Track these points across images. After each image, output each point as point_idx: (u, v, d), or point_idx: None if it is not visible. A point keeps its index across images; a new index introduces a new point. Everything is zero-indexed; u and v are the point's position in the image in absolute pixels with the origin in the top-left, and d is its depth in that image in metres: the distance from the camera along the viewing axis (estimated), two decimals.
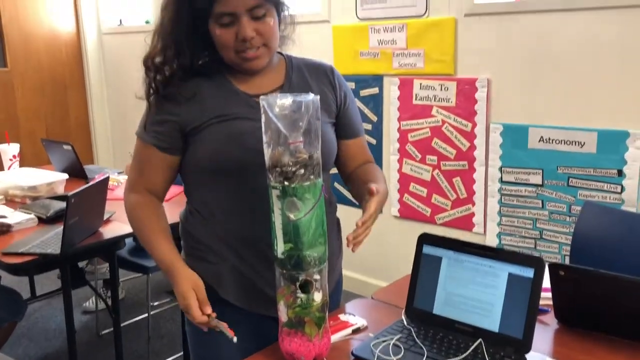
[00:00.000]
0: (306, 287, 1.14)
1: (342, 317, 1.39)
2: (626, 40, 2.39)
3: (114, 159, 5.17)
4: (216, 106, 1.32)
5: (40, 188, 2.64)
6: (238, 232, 1.34)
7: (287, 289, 1.15)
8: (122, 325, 2.59)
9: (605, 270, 1.26)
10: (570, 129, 2.56)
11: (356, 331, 1.34)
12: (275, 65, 1.40)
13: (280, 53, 1.44)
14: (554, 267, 1.30)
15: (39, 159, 3.98)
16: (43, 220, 2.34)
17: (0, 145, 3.10)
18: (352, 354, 1.24)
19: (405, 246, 3.25)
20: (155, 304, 3.33)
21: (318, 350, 1.18)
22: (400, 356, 1.20)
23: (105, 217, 2.33)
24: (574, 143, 2.55)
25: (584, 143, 2.52)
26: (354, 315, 1.39)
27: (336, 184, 2.79)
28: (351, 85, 3.29)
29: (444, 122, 2.97)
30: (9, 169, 3.07)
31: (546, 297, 1.34)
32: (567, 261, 2.57)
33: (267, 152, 1.11)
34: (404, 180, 3.19)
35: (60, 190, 2.73)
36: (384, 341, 1.24)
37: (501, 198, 2.83)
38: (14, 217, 2.32)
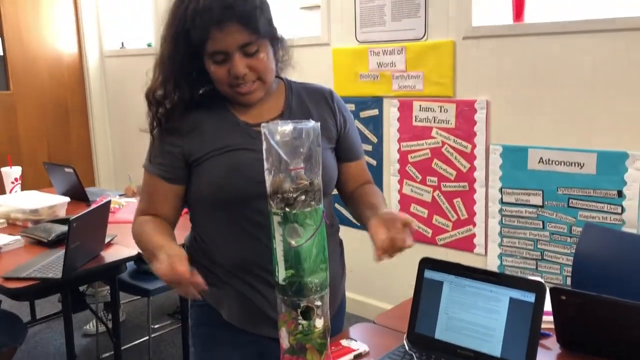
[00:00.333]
0: (307, 313, 1.13)
1: (344, 342, 1.39)
2: (624, 62, 2.41)
3: (115, 181, 5.18)
4: (217, 138, 1.33)
5: (41, 211, 2.65)
6: (239, 259, 1.34)
7: (289, 316, 1.15)
8: (122, 348, 2.58)
9: (607, 292, 1.26)
10: (569, 150, 2.57)
11: (358, 357, 1.33)
12: (275, 92, 1.42)
13: (280, 77, 1.45)
14: (555, 292, 1.29)
15: (41, 182, 3.99)
16: (44, 244, 2.34)
17: (2, 169, 3.11)
18: None
19: (406, 267, 3.23)
20: (156, 326, 3.32)
21: None
22: None
23: (106, 241, 2.33)
24: (573, 164, 2.56)
25: (584, 164, 2.53)
26: (355, 341, 1.39)
27: (337, 206, 2.78)
28: (351, 106, 3.31)
29: (443, 143, 2.98)
30: (10, 192, 3.07)
31: (548, 321, 1.33)
32: (568, 282, 2.56)
33: (269, 179, 1.11)
34: (405, 201, 3.20)
35: (62, 213, 2.74)
36: None
37: (502, 219, 2.83)
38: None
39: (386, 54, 3.13)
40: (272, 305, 1.25)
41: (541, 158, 2.65)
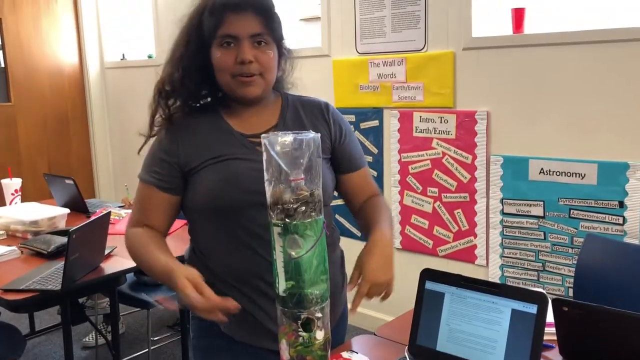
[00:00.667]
0: (308, 325, 1.13)
1: (345, 354, 1.38)
2: (624, 72, 2.41)
3: (115, 193, 5.18)
4: (212, 147, 1.35)
5: (41, 223, 2.64)
6: (236, 270, 1.34)
7: (289, 327, 1.14)
8: None
9: (609, 303, 1.25)
10: (570, 160, 2.57)
11: None
12: (271, 104, 1.43)
13: (278, 91, 1.47)
14: (557, 303, 1.29)
15: (41, 193, 3.99)
16: (44, 256, 2.34)
17: (3, 180, 3.11)
18: None
19: (407, 279, 3.22)
20: (156, 338, 3.30)
21: None
22: None
23: (106, 252, 2.32)
24: (574, 175, 2.56)
25: (585, 175, 2.53)
26: (356, 353, 1.38)
27: (338, 216, 2.78)
28: (351, 117, 3.31)
29: (444, 154, 2.98)
30: (10, 203, 3.07)
31: (550, 333, 1.32)
32: (570, 293, 2.55)
33: (269, 190, 1.11)
34: (405, 212, 3.19)
35: (62, 224, 2.73)
36: None
37: (503, 230, 2.82)
38: None
39: (386, 65, 3.13)
40: (271, 318, 1.24)
41: (542, 169, 2.65)
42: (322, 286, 1.13)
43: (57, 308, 3.09)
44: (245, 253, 1.33)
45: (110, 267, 2.27)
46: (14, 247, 2.37)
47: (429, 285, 1.34)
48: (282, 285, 1.12)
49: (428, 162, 3.05)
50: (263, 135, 1.11)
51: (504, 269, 2.85)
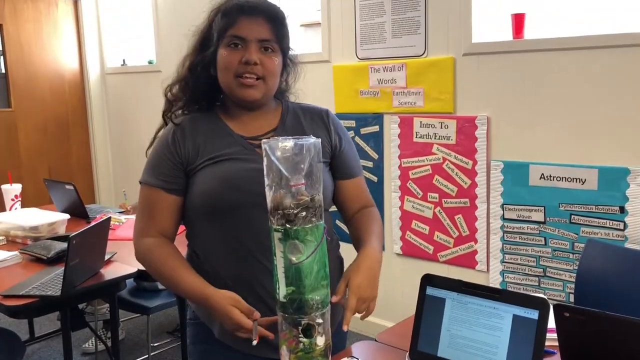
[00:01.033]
0: (309, 331, 1.12)
1: None
2: (624, 77, 2.41)
3: (115, 199, 5.17)
4: (211, 148, 1.36)
5: (41, 228, 2.64)
6: (233, 272, 1.34)
7: (290, 333, 1.14)
8: None
9: (610, 309, 1.24)
10: (570, 166, 2.57)
11: None
12: (272, 109, 1.45)
13: (279, 99, 1.48)
14: (558, 308, 1.28)
15: (41, 199, 3.98)
16: (44, 262, 2.33)
17: (3, 186, 3.11)
18: None
19: (408, 284, 3.23)
20: (156, 344, 3.29)
21: None
22: None
23: (106, 258, 2.32)
24: (575, 180, 2.55)
25: (585, 180, 2.53)
26: (357, 359, 1.37)
27: (338, 222, 2.77)
28: (352, 123, 3.31)
29: (444, 159, 2.98)
30: (10, 209, 3.07)
31: (552, 338, 1.32)
32: (571, 299, 2.54)
33: (269, 195, 1.11)
34: (406, 218, 3.19)
35: (62, 230, 2.73)
36: None
37: (504, 235, 2.82)
38: None
39: (386, 70, 3.14)
40: (269, 325, 1.23)
41: (542, 174, 2.65)
42: (323, 292, 1.13)
43: (56, 314, 3.08)
44: (243, 255, 1.33)
45: (110, 272, 2.27)
46: (16, 252, 2.37)
47: (430, 290, 1.34)
48: (282, 290, 1.12)
49: (428, 167, 3.05)
50: (264, 140, 1.11)
51: (505, 274, 2.84)
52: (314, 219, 1.11)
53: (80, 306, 3.02)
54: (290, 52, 1.43)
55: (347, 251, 1.59)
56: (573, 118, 2.56)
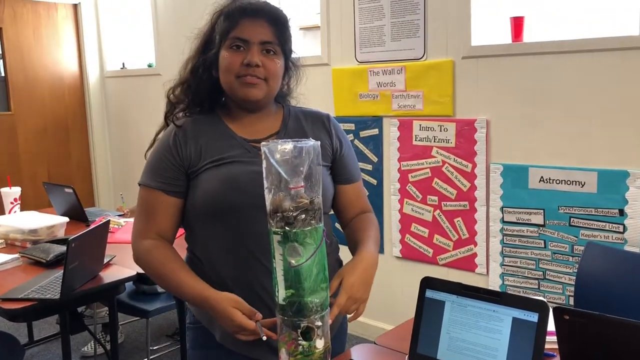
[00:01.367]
0: (308, 333, 1.12)
1: None
2: (624, 80, 2.42)
3: (114, 202, 5.17)
4: (214, 150, 1.35)
5: (40, 231, 2.64)
6: (234, 274, 1.34)
7: (289, 336, 1.13)
8: None
9: (610, 311, 1.24)
10: (570, 169, 2.57)
11: None
12: (274, 113, 1.45)
13: (280, 103, 1.48)
14: (558, 311, 1.28)
15: (40, 202, 3.99)
16: (43, 265, 2.33)
17: (2, 189, 3.11)
18: None
19: (407, 287, 3.23)
20: (155, 348, 3.29)
21: None
22: None
23: (105, 261, 2.31)
24: (574, 183, 2.56)
25: (585, 183, 2.53)
26: None
27: (337, 225, 2.77)
28: (351, 126, 3.31)
29: (444, 162, 2.98)
30: (9, 212, 3.07)
31: (551, 341, 1.32)
32: (571, 302, 2.54)
33: (268, 198, 1.11)
34: (405, 221, 3.18)
35: (61, 233, 2.73)
36: None
37: (503, 238, 2.82)
38: None
39: (386, 73, 3.14)
40: (269, 328, 1.23)
41: (542, 177, 2.65)
42: (322, 294, 1.13)
43: (55, 317, 3.08)
44: (243, 257, 1.32)
45: (109, 276, 2.27)
46: (16, 255, 2.37)
47: (429, 293, 1.33)
48: (281, 293, 1.12)
49: (428, 170, 3.05)
50: (263, 143, 1.11)
51: (504, 277, 2.84)
52: (313, 222, 1.10)
53: (80, 309, 3.01)
54: (293, 55, 1.44)
55: (347, 254, 1.59)
56: (572, 121, 2.57)
